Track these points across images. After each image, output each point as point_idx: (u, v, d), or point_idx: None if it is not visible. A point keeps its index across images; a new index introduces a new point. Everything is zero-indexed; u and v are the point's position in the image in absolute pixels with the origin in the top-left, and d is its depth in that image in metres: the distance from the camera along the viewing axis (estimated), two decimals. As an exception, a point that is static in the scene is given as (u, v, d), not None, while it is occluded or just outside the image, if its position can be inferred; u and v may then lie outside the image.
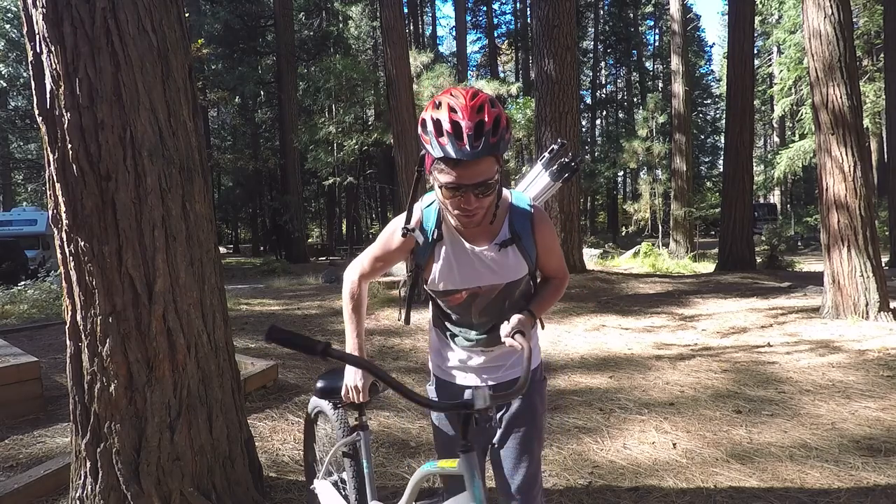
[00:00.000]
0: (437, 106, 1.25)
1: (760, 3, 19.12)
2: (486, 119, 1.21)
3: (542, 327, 1.65)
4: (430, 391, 1.68)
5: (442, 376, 1.64)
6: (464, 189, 1.24)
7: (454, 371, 1.61)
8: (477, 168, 1.22)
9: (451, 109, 1.22)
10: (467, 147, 1.19)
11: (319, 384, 1.85)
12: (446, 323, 1.58)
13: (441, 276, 1.46)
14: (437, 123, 1.22)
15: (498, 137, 1.23)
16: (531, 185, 1.73)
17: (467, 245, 1.44)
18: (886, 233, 13.77)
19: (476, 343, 1.54)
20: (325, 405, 1.98)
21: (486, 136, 1.21)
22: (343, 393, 1.66)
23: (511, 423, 1.55)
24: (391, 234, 1.51)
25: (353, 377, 1.63)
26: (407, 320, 1.61)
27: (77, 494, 2.16)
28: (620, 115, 37.44)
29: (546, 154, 1.68)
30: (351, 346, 1.60)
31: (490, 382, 1.56)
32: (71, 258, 2.04)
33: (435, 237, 1.44)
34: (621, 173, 36.75)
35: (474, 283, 1.46)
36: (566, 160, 1.66)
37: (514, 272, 1.46)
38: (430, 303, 1.63)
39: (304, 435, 2.26)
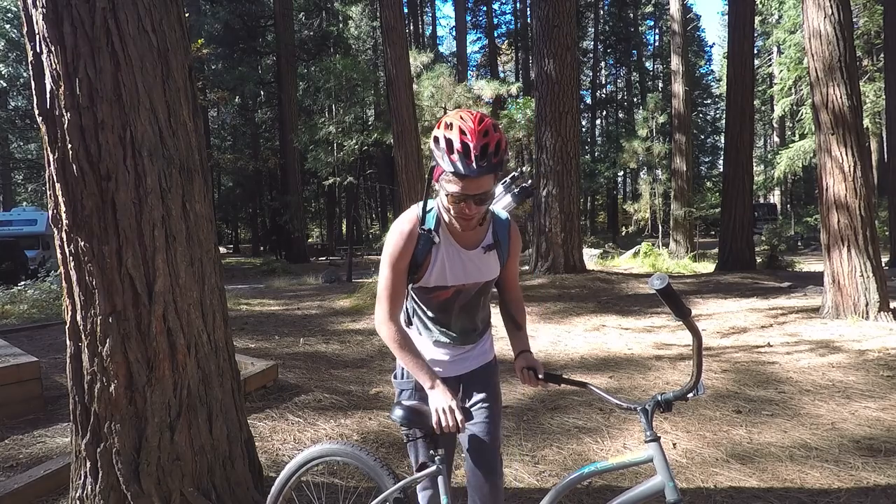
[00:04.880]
0: (449, 126, 1.45)
1: (760, 3, 19.12)
2: (490, 143, 1.43)
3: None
4: (405, 384, 1.74)
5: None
6: (467, 198, 1.47)
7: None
8: (480, 182, 1.45)
9: (462, 132, 1.42)
10: (474, 165, 1.41)
11: (400, 411, 1.56)
12: (427, 322, 1.74)
13: (434, 274, 1.64)
14: (449, 142, 1.43)
15: (499, 159, 1.45)
16: (497, 203, 1.93)
17: (459, 248, 1.65)
18: (886, 233, 13.77)
19: (453, 341, 1.74)
20: (350, 450, 1.69)
21: (489, 157, 1.43)
22: (436, 422, 1.51)
23: (484, 402, 1.76)
24: (398, 239, 1.60)
25: (448, 400, 1.52)
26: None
27: (77, 494, 2.16)
28: (620, 115, 37.47)
29: (507, 179, 1.96)
30: (430, 377, 1.58)
31: (459, 373, 1.77)
32: (71, 258, 2.03)
33: (434, 240, 1.61)
34: (621, 173, 36.74)
35: (461, 280, 1.67)
36: (526, 186, 1.95)
37: (492, 272, 1.72)
38: (407, 307, 1.75)
39: None
